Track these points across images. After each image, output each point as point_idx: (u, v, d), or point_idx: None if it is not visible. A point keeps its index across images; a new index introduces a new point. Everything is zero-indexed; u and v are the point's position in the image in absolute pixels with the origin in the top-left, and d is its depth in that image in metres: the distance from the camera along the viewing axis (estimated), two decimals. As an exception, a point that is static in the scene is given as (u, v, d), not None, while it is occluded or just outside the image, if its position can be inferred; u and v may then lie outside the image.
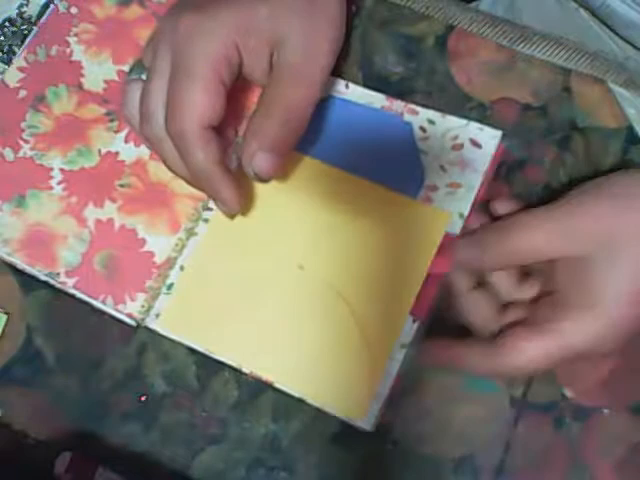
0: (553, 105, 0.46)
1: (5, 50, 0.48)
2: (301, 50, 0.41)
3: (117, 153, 0.47)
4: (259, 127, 0.40)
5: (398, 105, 0.46)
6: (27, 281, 0.45)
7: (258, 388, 0.43)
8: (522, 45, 0.47)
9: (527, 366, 0.38)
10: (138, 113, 0.41)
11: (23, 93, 0.48)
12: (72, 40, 0.49)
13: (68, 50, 0.49)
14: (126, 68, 0.48)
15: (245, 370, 0.43)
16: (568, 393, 0.42)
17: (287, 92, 0.40)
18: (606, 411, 0.42)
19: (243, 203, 0.42)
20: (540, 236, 0.38)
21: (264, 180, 0.41)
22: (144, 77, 0.42)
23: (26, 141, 0.47)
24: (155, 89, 0.40)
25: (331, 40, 0.42)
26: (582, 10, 0.56)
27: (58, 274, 0.45)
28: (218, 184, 0.40)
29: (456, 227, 0.43)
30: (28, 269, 0.45)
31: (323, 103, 0.46)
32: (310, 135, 0.45)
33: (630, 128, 0.46)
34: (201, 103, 0.39)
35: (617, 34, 0.55)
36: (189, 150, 0.39)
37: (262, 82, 0.42)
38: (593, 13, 0.56)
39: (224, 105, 0.40)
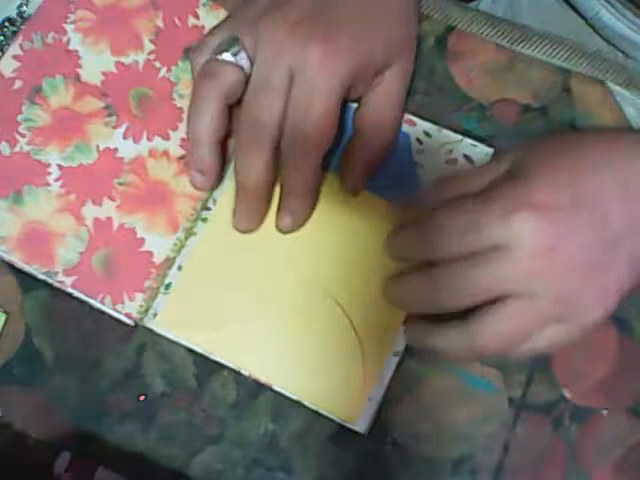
0: (553, 106, 0.46)
1: (5, 50, 0.48)
2: (400, 76, 0.44)
3: (116, 149, 0.46)
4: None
5: None
6: (26, 280, 0.45)
7: (257, 388, 0.43)
8: (522, 45, 0.47)
9: (498, 341, 0.36)
10: (228, 94, 0.41)
11: (19, 84, 0.47)
12: (69, 28, 0.48)
13: (65, 38, 0.48)
14: (124, 60, 0.47)
15: (244, 372, 0.43)
16: (567, 394, 0.43)
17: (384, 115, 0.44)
18: (605, 412, 0.42)
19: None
20: None
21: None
22: (237, 59, 0.41)
23: (23, 135, 0.46)
24: (275, 101, 0.40)
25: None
26: (579, 19, 0.57)
27: (56, 273, 0.44)
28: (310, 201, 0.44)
29: None
30: (26, 267, 0.44)
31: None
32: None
33: (630, 129, 0.46)
34: (326, 126, 0.40)
35: (611, 44, 0.56)
36: (305, 166, 0.41)
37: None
38: (587, 23, 0.56)
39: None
